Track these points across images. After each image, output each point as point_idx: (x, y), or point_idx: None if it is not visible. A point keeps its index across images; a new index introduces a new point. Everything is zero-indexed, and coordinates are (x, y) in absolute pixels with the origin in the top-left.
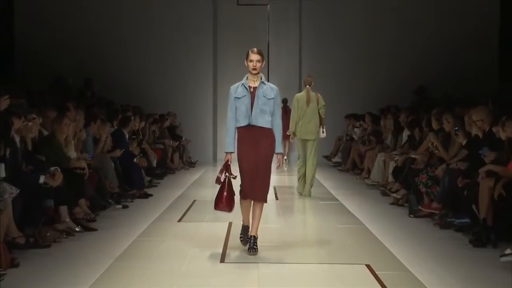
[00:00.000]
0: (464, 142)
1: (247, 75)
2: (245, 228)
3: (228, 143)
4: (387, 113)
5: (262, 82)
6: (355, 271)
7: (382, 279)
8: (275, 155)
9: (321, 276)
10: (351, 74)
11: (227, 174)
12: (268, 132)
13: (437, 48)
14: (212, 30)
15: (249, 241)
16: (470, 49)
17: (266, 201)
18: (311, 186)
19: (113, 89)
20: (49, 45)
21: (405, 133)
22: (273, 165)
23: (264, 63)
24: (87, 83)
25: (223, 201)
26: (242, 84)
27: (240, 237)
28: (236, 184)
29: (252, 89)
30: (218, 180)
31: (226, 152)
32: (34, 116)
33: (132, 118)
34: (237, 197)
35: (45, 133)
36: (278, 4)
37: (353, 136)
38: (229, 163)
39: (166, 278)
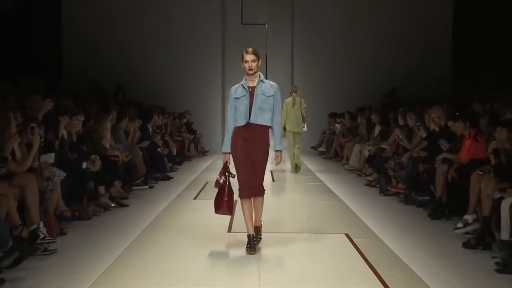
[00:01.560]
0: (424, 135)
1: (245, 76)
2: (250, 238)
3: (226, 143)
4: (362, 112)
5: (261, 81)
6: (336, 239)
7: (358, 246)
8: (273, 152)
9: (308, 243)
10: (334, 80)
11: (226, 176)
12: (265, 131)
13: (404, 58)
14: (220, 44)
15: (251, 239)
16: (429, 60)
17: (264, 194)
18: (299, 165)
19: (141, 92)
20: (89, 57)
21: (377, 128)
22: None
23: (260, 62)
24: (119, 88)
25: (224, 206)
26: (242, 85)
27: (247, 248)
28: (235, 184)
29: (251, 89)
30: (217, 184)
31: (225, 153)
32: (79, 112)
33: (155, 115)
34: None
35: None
36: (274, 24)
37: (335, 130)
38: (228, 164)
39: (184, 245)
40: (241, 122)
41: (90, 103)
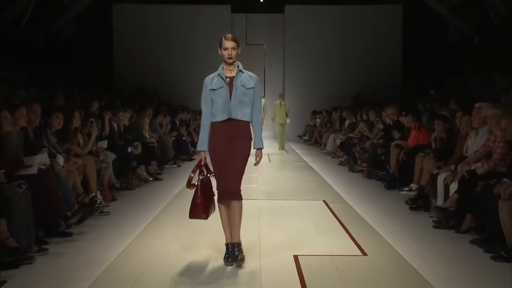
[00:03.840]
0: (381, 127)
1: (222, 64)
2: (228, 247)
3: (202, 140)
4: (336, 109)
5: (240, 71)
6: (316, 204)
7: (332, 209)
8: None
9: (295, 207)
10: (315, 85)
11: (201, 175)
12: (246, 127)
13: (366, 70)
14: None
15: (229, 248)
16: (384, 71)
17: (241, 198)
18: (283, 145)
19: (170, 95)
20: (133, 70)
21: (347, 122)
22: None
23: (239, 50)
24: (154, 92)
25: (199, 209)
26: (218, 74)
27: (225, 258)
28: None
29: (229, 80)
30: (189, 183)
31: (199, 151)
32: (124, 110)
33: (181, 112)
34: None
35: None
36: (270, 44)
37: (316, 123)
38: (202, 163)
39: None
40: (220, 116)
41: (133, 104)
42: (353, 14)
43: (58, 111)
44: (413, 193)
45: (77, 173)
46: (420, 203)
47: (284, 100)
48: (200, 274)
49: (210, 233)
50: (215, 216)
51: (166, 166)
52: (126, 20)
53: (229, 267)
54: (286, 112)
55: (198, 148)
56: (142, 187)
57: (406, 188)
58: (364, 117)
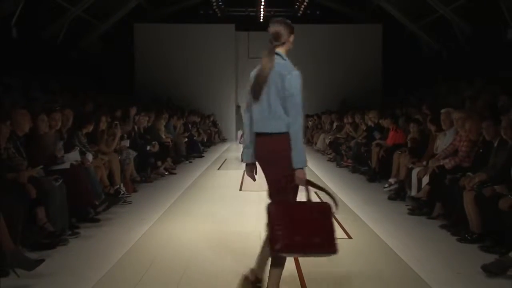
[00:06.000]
0: (364, 128)
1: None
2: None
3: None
4: (325, 113)
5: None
6: (313, 194)
7: (322, 199)
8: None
9: None
10: (308, 92)
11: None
12: None
13: (351, 78)
14: (234, 72)
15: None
16: (367, 80)
17: None
18: None
19: (183, 102)
20: (151, 80)
21: (335, 124)
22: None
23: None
24: (169, 99)
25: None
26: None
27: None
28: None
29: None
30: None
31: (300, 168)
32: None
33: (192, 116)
34: None
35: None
36: None
37: (308, 125)
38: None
39: (211, 197)
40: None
41: (151, 109)
42: (338, 33)
43: (91, 120)
44: (393, 187)
45: (104, 168)
46: (402, 194)
47: None
48: (208, 256)
49: (217, 221)
50: (221, 204)
51: (180, 162)
52: (145, 38)
53: (233, 250)
54: None
55: (302, 164)
56: (159, 180)
57: (386, 185)
58: (350, 120)
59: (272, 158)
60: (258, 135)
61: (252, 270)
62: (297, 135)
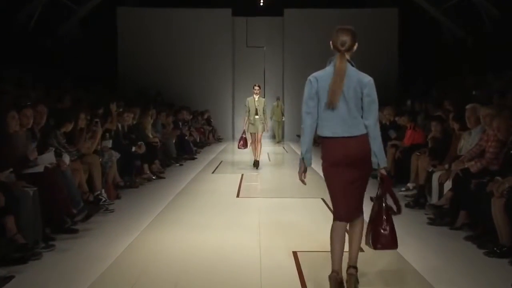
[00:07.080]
0: None
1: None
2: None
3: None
4: None
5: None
6: (315, 202)
7: (331, 207)
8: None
9: (296, 205)
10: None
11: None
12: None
13: (363, 70)
14: (231, 61)
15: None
16: (381, 71)
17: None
18: (280, 139)
19: (173, 97)
20: (136, 73)
21: None
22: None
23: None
24: (158, 93)
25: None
26: None
27: None
28: None
29: None
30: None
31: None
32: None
33: (183, 113)
34: None
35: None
36: (270, 46)
37: None
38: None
39: (205, 205)
40: None
41: (136, 104)
42: (350, 17)
43: (70, 117)
44: (411, 193)
45: (83, 172)
46: (421, 201)
47: (280, 102)
48: (201, 269)
49: (211, 231)
50: (215, 212)
51: (169, 165)
52: (130, 23)
53: (229, 263)
54: (282, 112)
55: (386, 163)
56: (146, 185)
57: (403, 189)
58: None
59: (360, 158)
60: (334, 139)
61: (338, 270)
62: (380, 137)
